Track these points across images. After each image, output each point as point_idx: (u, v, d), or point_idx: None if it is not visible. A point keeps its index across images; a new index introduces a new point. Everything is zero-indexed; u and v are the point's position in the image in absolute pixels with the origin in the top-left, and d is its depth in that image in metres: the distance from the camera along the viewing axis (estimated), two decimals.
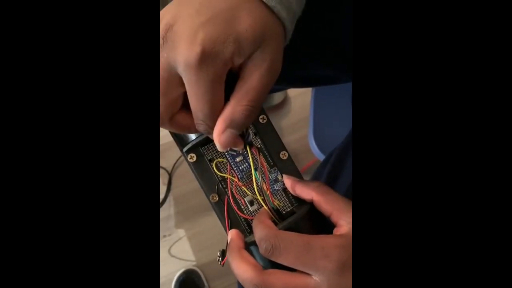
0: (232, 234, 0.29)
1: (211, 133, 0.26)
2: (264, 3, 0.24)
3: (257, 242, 0.27)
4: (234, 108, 0.25)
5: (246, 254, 0.27)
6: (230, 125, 0.25)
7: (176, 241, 1.09)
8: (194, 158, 0.32)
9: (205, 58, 0.23)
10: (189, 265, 1.06)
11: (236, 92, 0.25)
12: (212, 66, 0.23)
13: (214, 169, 0.32)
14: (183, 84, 0.24)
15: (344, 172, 0.47)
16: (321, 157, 0.68)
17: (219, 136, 0.25)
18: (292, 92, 1.19)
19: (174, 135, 0.33)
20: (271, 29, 0.25)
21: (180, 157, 1.16)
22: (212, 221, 1.09)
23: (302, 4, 0.27)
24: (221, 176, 0.32)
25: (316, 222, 0.31)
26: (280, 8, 0.25)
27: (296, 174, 0.33)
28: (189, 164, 0.32)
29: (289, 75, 0.51)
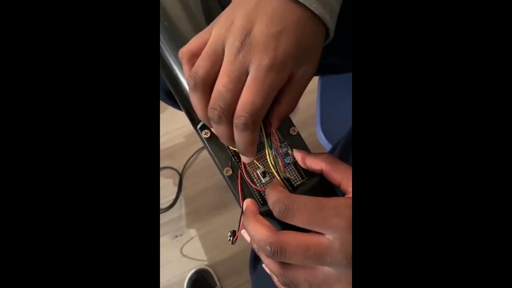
0: (247, 202, 0.31)
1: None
2: (323, 22, 0.28)
3: (271, 206, 0.28)
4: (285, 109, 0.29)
5: (260, 217, 0.28)
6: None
7: (188, 241, 1.10)
8: (208, 134, 0.33)
9: (275, 65, 0.27)
10: (201, 264, 1.07)
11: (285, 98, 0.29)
12: (279, 73, 0.27)
13: None
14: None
15: (350, 159, 0.48)
16: (329, 148, 0.69)
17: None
18: None
19: (187, 113, 0.34)
20: (321, 44, 0.29)
21: (190, 157, 1.18)
22: (223, 220, 1.10)
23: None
24: (233, 150, 0.33)
25: (325, 193, 0.32)
26: (333, 26, 0.29)
27: (305, 149, 0.34)
28: (203, 140, 0.34)
29: None
